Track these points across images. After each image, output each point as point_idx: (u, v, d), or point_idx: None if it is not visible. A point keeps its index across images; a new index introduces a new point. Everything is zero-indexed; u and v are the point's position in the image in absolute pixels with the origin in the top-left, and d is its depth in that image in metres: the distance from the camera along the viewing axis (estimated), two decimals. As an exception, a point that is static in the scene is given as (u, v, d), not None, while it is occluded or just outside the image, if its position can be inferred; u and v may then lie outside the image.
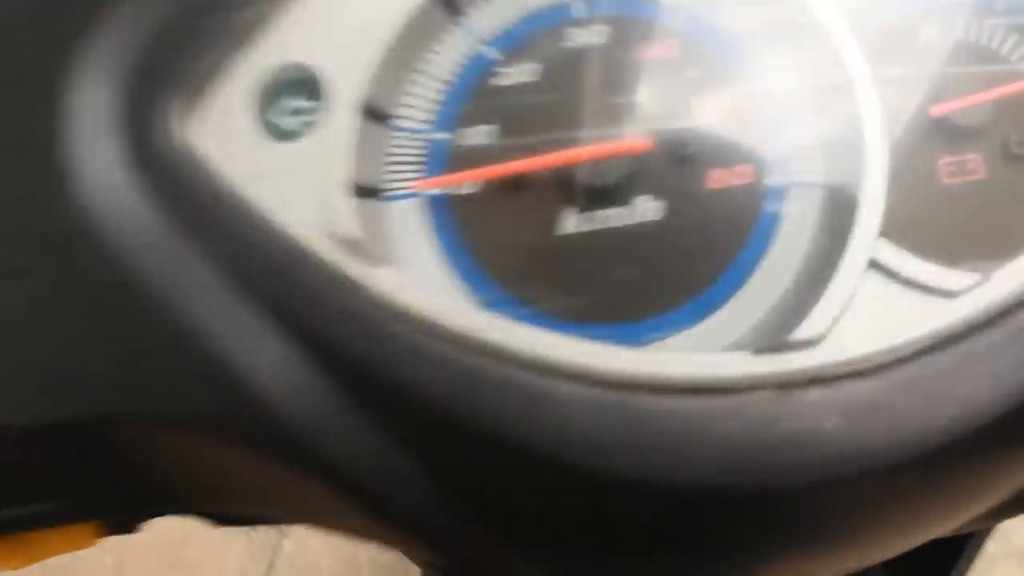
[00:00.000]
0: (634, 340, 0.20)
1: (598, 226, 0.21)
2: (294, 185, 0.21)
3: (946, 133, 0.20)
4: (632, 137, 0.20)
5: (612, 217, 0.21)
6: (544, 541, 0.21)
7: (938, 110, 0.20)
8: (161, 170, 0.21)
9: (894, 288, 0.19)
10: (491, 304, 0.21)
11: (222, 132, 0.22)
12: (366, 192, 0.21)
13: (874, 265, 0.19)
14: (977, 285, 0.19)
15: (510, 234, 0.21)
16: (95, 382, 0.20)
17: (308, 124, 0.22)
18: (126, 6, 0.22)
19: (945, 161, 0.20)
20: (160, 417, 0.20)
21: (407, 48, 0.22)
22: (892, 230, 0.20)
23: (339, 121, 0.21)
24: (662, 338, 0.20)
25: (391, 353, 0.20)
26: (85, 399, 0.20)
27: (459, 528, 0.21)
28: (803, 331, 0.19)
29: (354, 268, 0.20)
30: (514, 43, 0.22)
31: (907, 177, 0.20)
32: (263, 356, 0.20)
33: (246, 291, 0.20)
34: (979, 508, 0.20)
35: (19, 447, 0.21)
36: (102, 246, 0.21)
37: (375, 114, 0.22)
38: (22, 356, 0.20)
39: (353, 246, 0.21)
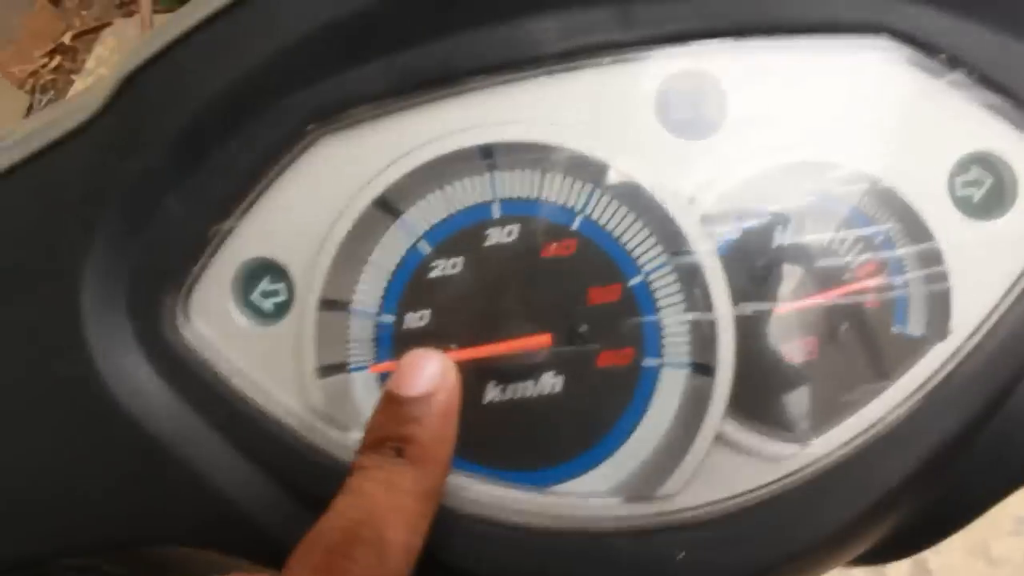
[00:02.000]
0: (540, 484, 0.26)
1: (513, 396, 0.26)
2: (273, 368, 0.27)
3: (788, 324, 0.26)
4: (537, 335, 0.26)
5: (523, 389, 0.26)
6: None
7: (784, 308, 0.25)
8: (167, 354, 0.27)
9: (733, 455, 0.26)
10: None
11: (212, 319, 0.28)
12: (332, 369, 0.27)
13: (720, 438, 0.25)
14: (796, 453, 0.25)
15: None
16: (130, 515, 0.28)
17: (280, 305, 0.28)
18: (122, 218, 0.27)
19: (787, 346, 0.26)
20: (178, 541, 0.28)
21: (356, 245, 0.27)
22: (741, 403, 0.26)
23: (305, 312, 0.27)
24: (560, 483, 0.26)
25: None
26: (123, 528, 0.28)
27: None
28: (665, 488, 0.25)
29: (323, 434, 0.27)
30: (442, 239, 0.27)
31: (755, 360, 0.26)
32: (260, 497, 0.27)
33: (243, 451, 0.27)
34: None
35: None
36: (124, 414, 0.27)
37: (333, 304, 0.27)
38: (65, 501, 0.27)
39: (322, 415, 0.27)
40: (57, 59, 1.96)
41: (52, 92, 1.88)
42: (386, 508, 0.23)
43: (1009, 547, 1.00)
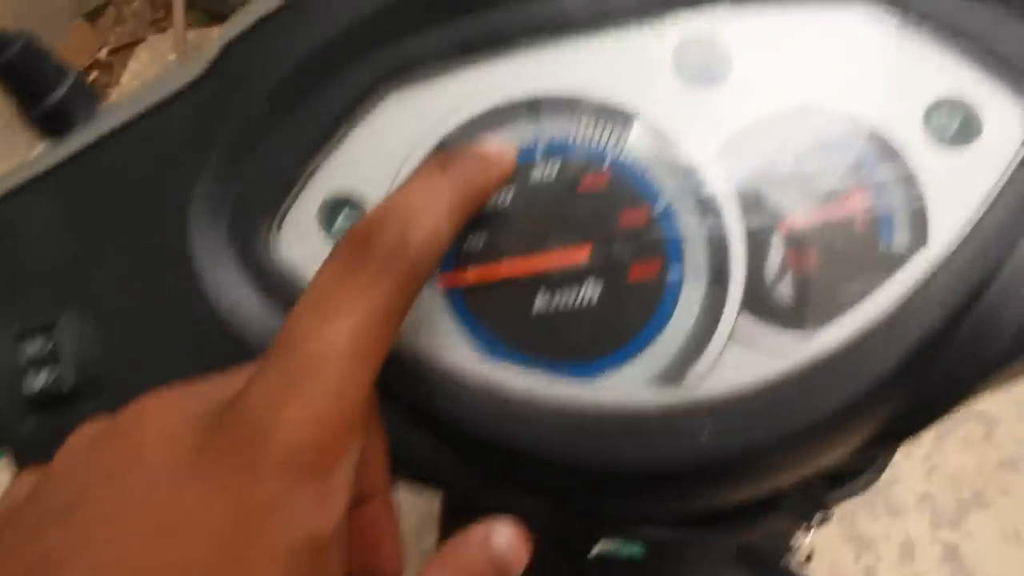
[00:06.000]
0: (587, 374, 0.31)
1: (558, 306, 0.31)
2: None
3: (791, 239, 0.30)
4: (577, 250, 0.31)
5: (566, 298, 0.31)
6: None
7: (786, 225, 0.30)
8: (262, 271, 0.32)
9: (746, 350, 0.30)
10: (496, 356, 0.32)
11: (300, 244, 0.33)
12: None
13: (733, 336, 0.30)
14: (799, 346, 0.30)
15: (503, 312, 0.32)
16: None
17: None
18: (224, 159, 0.32)
19: (790, 257, 0.30)
20: None
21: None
22: (752, 306, 0.30)
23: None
24: (605, 372, 0.31)
25: (432, 395, 0.31)
26: None
27: (473, 484, 0.33)
28: (689, 378, 0.30)
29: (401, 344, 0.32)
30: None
31: (764, 269, 0.30)
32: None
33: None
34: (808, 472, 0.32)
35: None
36: (222, 322, 0.32)
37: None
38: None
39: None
40: (95, 74, 2.04)
41: (89, 106, 1.95)
42: (416, 200, 0.25)
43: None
